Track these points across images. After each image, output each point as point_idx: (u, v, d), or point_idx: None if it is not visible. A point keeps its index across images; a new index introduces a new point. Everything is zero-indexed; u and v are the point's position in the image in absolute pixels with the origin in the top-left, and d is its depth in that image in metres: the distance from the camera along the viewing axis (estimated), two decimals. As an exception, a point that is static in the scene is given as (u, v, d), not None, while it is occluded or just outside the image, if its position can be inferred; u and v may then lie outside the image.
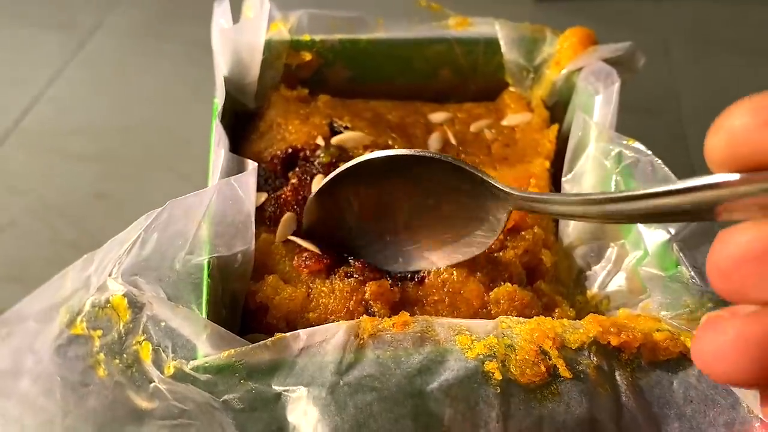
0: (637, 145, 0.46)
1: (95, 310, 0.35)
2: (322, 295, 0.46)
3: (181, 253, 0.40)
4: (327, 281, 0.47)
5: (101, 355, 0.35)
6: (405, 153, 0.45)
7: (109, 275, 0.36)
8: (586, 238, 0.51)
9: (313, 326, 0.39)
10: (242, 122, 0.61)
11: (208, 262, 0.42)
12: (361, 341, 0.38)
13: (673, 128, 0.91)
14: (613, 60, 0.55)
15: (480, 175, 0.43)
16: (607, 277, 0.50)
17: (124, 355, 0.35)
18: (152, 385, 0.35)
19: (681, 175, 0.82)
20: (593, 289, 0.51)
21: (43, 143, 0.85)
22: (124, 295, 0.36)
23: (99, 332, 0.35)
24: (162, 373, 0.35)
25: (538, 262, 0.51)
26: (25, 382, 0.37)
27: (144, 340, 0.36)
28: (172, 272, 0.39)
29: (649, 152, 0.45)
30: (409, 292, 0.47)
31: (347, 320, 0.40)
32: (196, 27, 1.01)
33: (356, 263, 0.48)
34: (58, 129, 0.88)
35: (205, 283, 0.41)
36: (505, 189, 0.42)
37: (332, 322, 0.42)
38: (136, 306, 0.36)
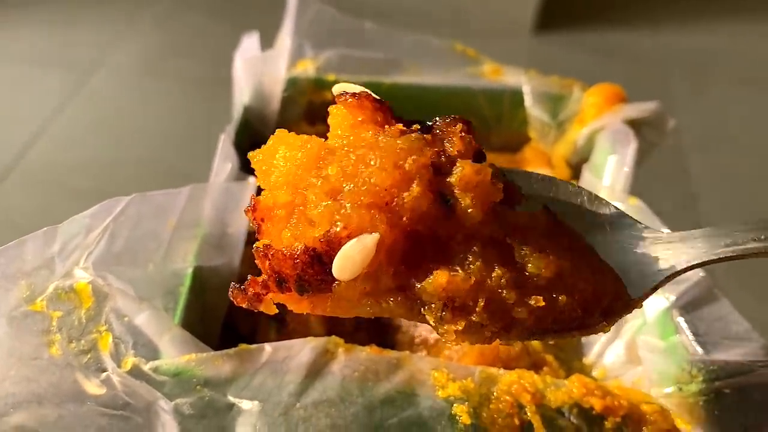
0: (639, 203, 0.44)
1: (58, 292, 0.35)
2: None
3: (156, 257, 0.40)
4: None
5: (57, 336, 0.34)
6: None
7: (77, 265, 0.36)
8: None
9: None
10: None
11: (193, 273, 0.42)
12: (332, 355, 0.37)
13: (675, 159, 0.89)
14: (640, 121, 0.53)
15: None
16: (605, 345, 0.47)
17: (82, 341, 0.35)
18: (104, 374, 0.34)
19: (682, 205, 0.80)
20: (590, 357, 0.48)
21: (43, 180, 0.87)
22: (89, 283, 0.36)
23: (59, 313, 0.35)
24: (119, 366, 0.35)
25: (535, 318, 0.49)
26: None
27: (105, 330, 0.36)
28: (145, 275, 0.39)
29: (648, 209, 0.43)
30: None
31: None
32: (194, 64, 1.04)
33: None
34: (59, 166, 0.90)
35: (185, 292, 0.41)
36: None
37: None
38: (99, 295, 0.36)
